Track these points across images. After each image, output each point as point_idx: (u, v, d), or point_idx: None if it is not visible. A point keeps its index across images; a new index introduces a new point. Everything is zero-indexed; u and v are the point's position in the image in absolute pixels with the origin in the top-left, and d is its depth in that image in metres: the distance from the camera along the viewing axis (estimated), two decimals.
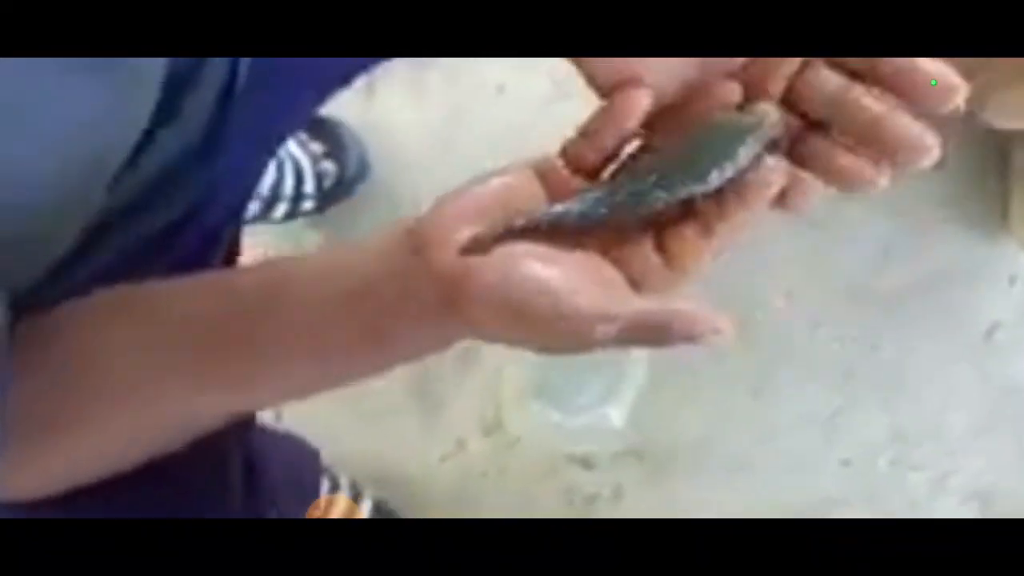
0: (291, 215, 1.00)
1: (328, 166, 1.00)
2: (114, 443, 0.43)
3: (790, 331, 0.94)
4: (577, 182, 0.40)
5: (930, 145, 0.38)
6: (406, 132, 1.06)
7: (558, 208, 0.38)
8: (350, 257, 0.41)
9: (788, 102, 0.40)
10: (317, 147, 1.00)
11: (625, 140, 0.40)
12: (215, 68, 0.50)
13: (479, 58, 1.06)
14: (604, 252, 0.39)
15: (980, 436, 0.90)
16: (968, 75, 0.40)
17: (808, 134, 0.39)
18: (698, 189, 0.38)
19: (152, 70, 0.46)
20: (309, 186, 0.99)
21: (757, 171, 0.37)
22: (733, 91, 0.40)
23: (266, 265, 0.44)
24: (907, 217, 0.95)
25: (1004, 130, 0.81)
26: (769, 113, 0.38)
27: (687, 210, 0.38)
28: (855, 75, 0.39)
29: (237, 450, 0.53)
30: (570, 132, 0.42)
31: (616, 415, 0.85)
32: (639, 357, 0.87)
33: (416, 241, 0.39)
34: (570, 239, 0.39)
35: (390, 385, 0.97)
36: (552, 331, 0.36)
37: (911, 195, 0.96)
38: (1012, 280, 0.93)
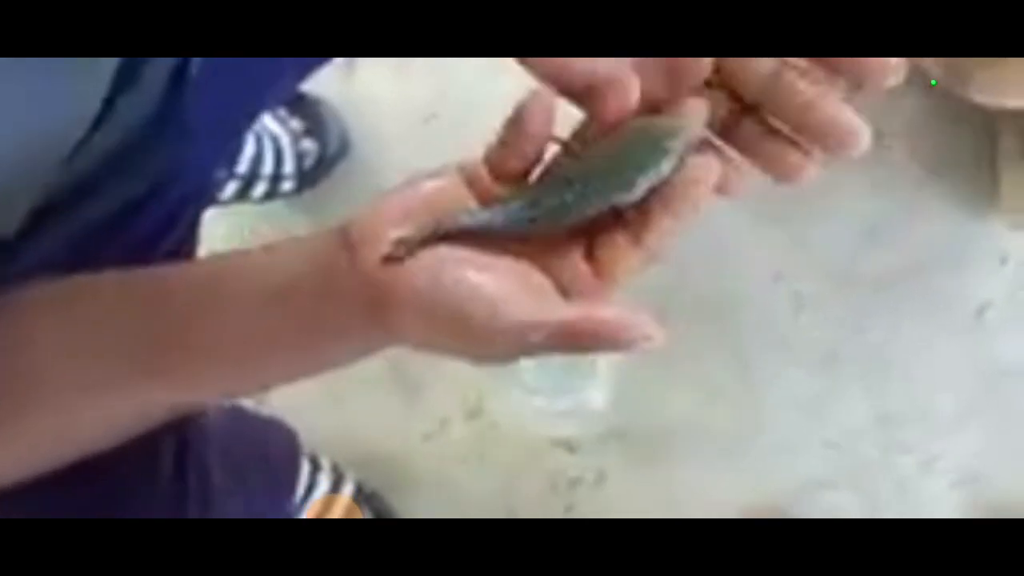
0: (271, 195, 0.98)
1: (308, 144, 0.99)
2: (46, 440, 0.42)
3: (774, 313, 0.93)
4: (503, 188, 0.39)
5: (860, 132, 0.38)
6: (388, 108, 1.05)
7: (484, 214, 0.38)
8: (282, 254, 0.40)
9: (723, 84, 0.39)
10: (297, 124, 0.99)
11: (542, 146, 0.40)
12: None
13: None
14: (533, 259, 0.39)
15: (969, 418, 0.89)
16: None
17: (741, 118, 0.39)
18: (623, 199, 0.38)
19: (100, 61, 0.45)
20: (289, 165, 0.98)
21: (683, 174, 0.37)
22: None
23: (200, 262, 0.44)
24: (893, 197, 0.94)
25: (991, 108, 0.80)
26: (692, 116, 0.38)
27: (616, 217, 0.38)
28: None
29: (169, 434, 0.53)
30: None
31: (597, 398, 0.84)
32: None
33: (345, 240, 0.39)
34: (498, 245, 0.38)
35: (370, 367, 0.96)
36: (482, 339, 0.36)
37: (897, 175, 0.95)
38: (1003, 259, 0.92)
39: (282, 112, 0.99)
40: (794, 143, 0.39)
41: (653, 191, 0.38)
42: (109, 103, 0.47)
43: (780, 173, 0.39)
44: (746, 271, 0.95)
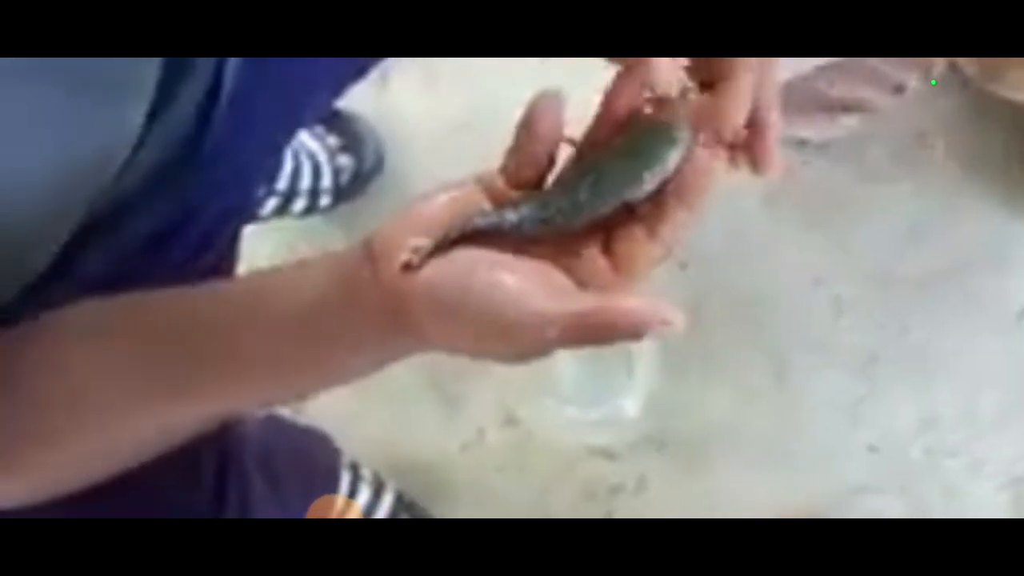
0: (310, 210, 1.00)
1: (345, 160, 1.00)
2: (86, 456, 0.43)
3: (814, 316, 0.93)
4: (518, 195, 0.40)
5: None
6: (421, 122, 1.06)
7: (497, 215, 0.39)
8: (309, 271, 0.42)
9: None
10: (334, 141, 1.01)
11: (554, 147, 0.41)
12: (200, 70, 0.51)
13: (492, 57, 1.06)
14: (552, 259, 0.39)
15: (1014, 419, 0.88)
16: None
17: None
18: (634, 195, 0.39)
19: (141, 82, 0.47)
20: (327, 180, 0.99)
21: (692, 165, 0.39)
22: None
23: (231, 283, 0.46)
24: (933, 198, 0.93)
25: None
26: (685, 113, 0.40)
27: (630, 213, 0.39)
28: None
29: (210, 444, 0.54)
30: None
31: (631, 406, 0.85)
32: (649, 347, 0.86)
33: (368, 253, 0.40)
34: (517, 247, 0.39)
35: (408, 378, 0.98)
36: (502, 335, 0.36)
37: (936, 176, 0.94)
38: None
39: (319, 129, 1.01)
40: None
41: (665, 183, 0.39)
42: (148, 125, 0.49)
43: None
44: (785, 274, 0.94)
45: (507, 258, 0.38)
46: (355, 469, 0.92)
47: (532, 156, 0.41)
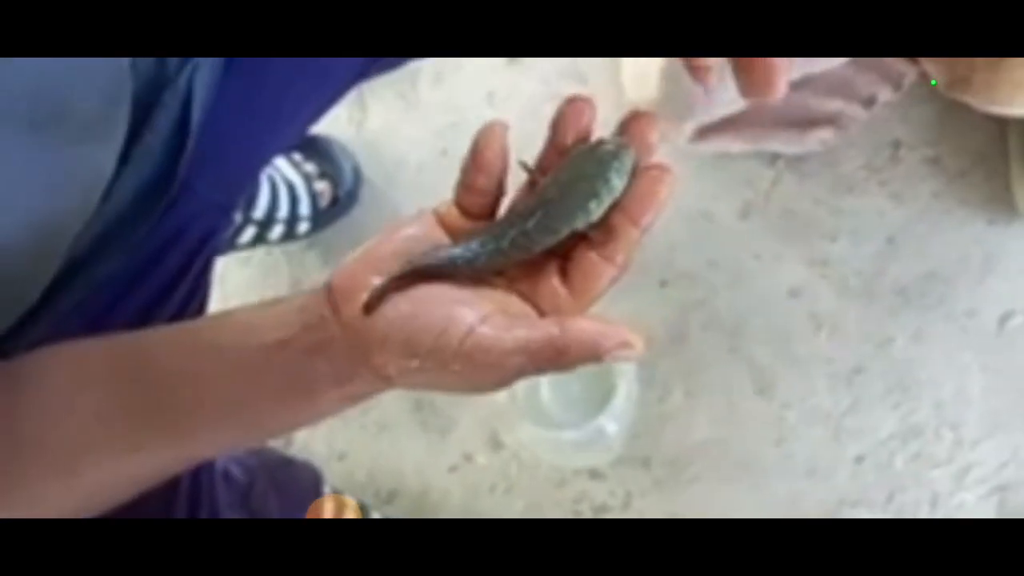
0: (288, 237, 1.01)
1: (322, 186, 1.01)
2: (36, 507, 0.43)
3: (795, 330, 0.93)
4: (474, 226, 0.41)
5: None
6: (400, 145, 1.07)
7: (452, 250, 0.40)
8: (272, 314, 0.42)
9: None
10: (311, 167, 1.01)
11: (500, 176, 0.41)
12: (167, 106, 0.51)
13: (468, 62, 1.07)
14: (511, 288, 0.40)
15: (998, 427, 0.88)
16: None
17: None
18: (582, 223, 0.39)
19: (114, 119, 0.47)
20: (304, 207, 1.00)
21: (639, 186, 0.39)
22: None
23: (195, 325, 0.45)
24: (911, 207, 0.94)
25: (997, 113, 0.80)
26: (642, 131, 0.41)
27: (583, 238, 0.40)
28: None
29: (181, 487, 0.55)
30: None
31: (613, 427, 0.85)
32: (627, 368, 0.87)
33: (329, 295, 0.40)
34: (476, 279, 0.40)
35: (394, 405, 0.98)
36: (464, 366, 0.37)
37: (914, 185, 0.95)
38: None
39: (296, 156, 1.02)
40: None
41: (613, 207, 0.40)
42: (119, 162, 0.50)
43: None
44: (765, 289, 0.95)
45: (464, 293, 0.39)
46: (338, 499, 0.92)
47: (480, 187, 0.41)
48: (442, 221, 0.42)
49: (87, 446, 0.42)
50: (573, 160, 0.41)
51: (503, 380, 0.38)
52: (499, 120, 0.41)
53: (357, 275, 0.40)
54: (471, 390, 0.39)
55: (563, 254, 0.41)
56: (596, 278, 0.40)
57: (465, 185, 0.42)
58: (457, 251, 0.40)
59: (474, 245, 0.40)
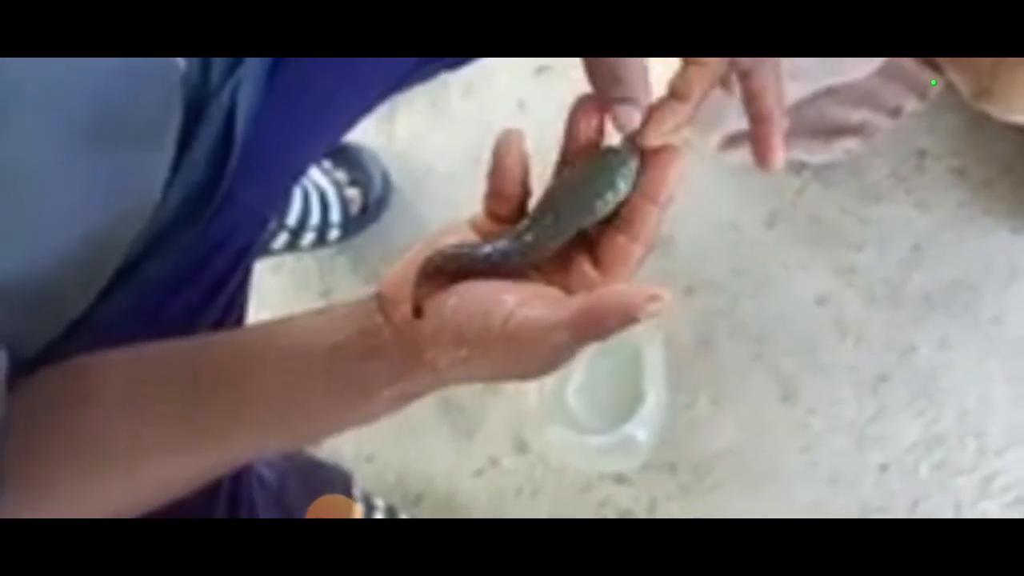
0: (319, 243, 1.04)
1: (353, 193, 1.04)
2: (95, 504, 0.46)
3: (821, 338, 0.95)
4: (498, 228, 0.45)
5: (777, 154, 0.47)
6: (430, 154, 1.10)
7: (481, 247, 0.43)
8: (325, 321, 0.45)
9: None
10: (341, 175, 1.04)
11: (522, 180, 0.45)
12: (211, 117, 0.54)
13: (496, 71, 1.10)
14: (546, 279, 0.44)
15: (1023, 436, 0.90)
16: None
17: None
18: (589, 222, 0.43)
19: (165, 130, 0.50)
20: (335, 214, 1.03)
21: (652, 167, 0.43)
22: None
23: (248, 330, 0.48)
24: (937, 216, 0.96)
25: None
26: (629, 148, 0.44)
27: (607, 223, 0.44)
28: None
29: (223, 488, 0.57)
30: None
31: (641, 433, 0.87)
32: (658, 375, 0.89)
33: (379, 301, 0.44)
34: (512, 274, 0.43)
35: (422, 409, 1.00)
36: (510, 350, 0.40)
37: (940, 193, 0.97)
38: None
39: (326, 164, 1.05)
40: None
41: (619, 205, 0.43)
42: (169, 177, 0.53)
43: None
44: (790, 297, 0.97)
45: (504, 283, 0.42)
46: (368, 501, 0.95)
47: (505, 193, 0.45)
48: (477, 229, 0.45)
49: (146, 446, 0.45)
50: (581, 165, 0.44)
51: (548, 359, 0.40)
52: (514, 128, 0.45)
53: (403, 284, 0.43)
54: (519, 375, 0.42)
55: (589, 242, 0.44)
56: (625, 258, 0.43)
57: (491, 192, 0.45)
58: (482, 250, 0.43)
59: (496, 244, 0.43)
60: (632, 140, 0.44)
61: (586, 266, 0.43)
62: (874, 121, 0.95)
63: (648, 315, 0.38)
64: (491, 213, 0.45)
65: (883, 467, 0.92)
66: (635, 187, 0.43)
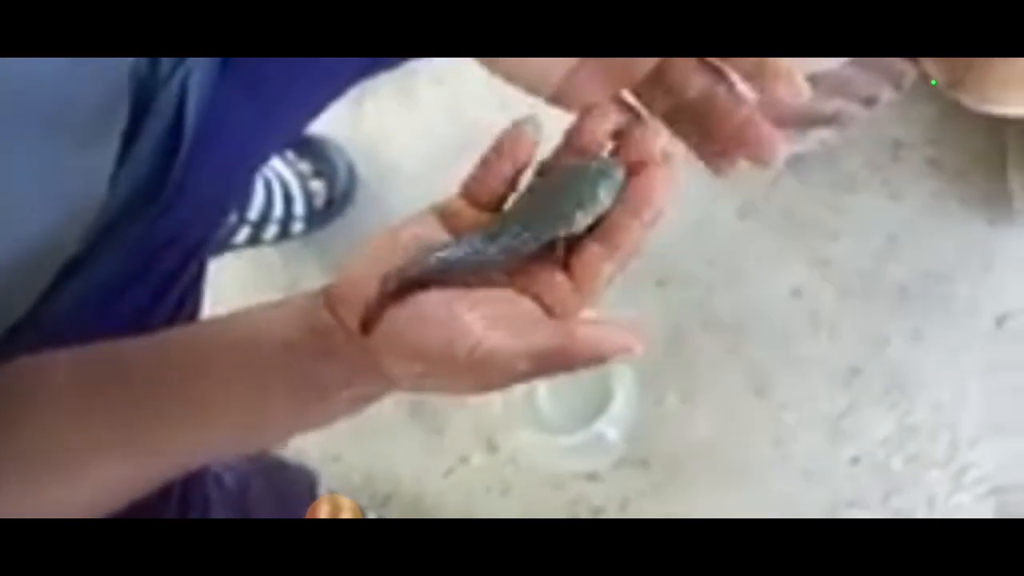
0: (282, 236, 1.03)
1: (317, 185, 1.04)
2: (39, 506, 0.45)
3: (794, 330, 0.96)
4: (479, 218, 0.43)
5: (778, 146, 0.45)
6: (397, 144, 1.10)
7: (441, 256, 0.41)
8: (274, 318, 0.44)
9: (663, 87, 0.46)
10: (305, 166, 1.04)
11: (520, 174, 0.44)
12: (161, 108, 0.53)
13: (467, 61, 1.09)
14: (515, 284, 0.42)
15: (996, 427, 0.91)
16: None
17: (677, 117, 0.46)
18: (565, 232, 0.42)
19: (113, 122, 0.49)
20: (299, 207, 1.03)
21: (641, 180, 0.42)
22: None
23: (194, 330, 0.48)
24: (911, 206, 0.97)
25: (996, 112, 0.83)
26: (651, 134, 0.44)
27: (588, 232, 0.42)
28: (715, 70, 0.45)
29: (174, 490, 0.57)
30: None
31: (611, 433, 0.87)
32: (626, 372, 0.89)
33: (330, 301, 0.42)
34: (479, 277, 0.42)
35: (391, 408, 1.00)
36: (471, 372, 0.39)
37: (915, 184, 0.97)
38: None
39: (290, 155, 1.04)
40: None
41: (599, 219, 0.42)
42: (116, 165, 0.52)
43: (713, 166, 0.46)
44: (763, 289, 0.98)
45: (467, 296, 0.41)
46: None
47: (490, 184, 0.43)
48: (445, 217, 0.44)
49: (89, 449, 0.44)
50: (566, 171, 0.43)
51: (510, 383, 0.40)
52: (533, 119, 0.44)
53: (356, 283, 0.41)
54: (477, 392, 0.41)
55: (564, 250, 0.42)
56: (598, 270, 0.42)
57: (479, 177, 0.43)
58: (447, 255, 0.41)
59: (465, 248, 0.42)
60: (617, 152, 0.44)
61: (558, 276, 0.42)
62: (848, 111, 0.96)
63: (620, 360, 0.39)
64: (471, 196, 0.44)
65: (855, 460, 0.93)
66: (619, 200, 0.42)
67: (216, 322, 0.47)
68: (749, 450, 0.94)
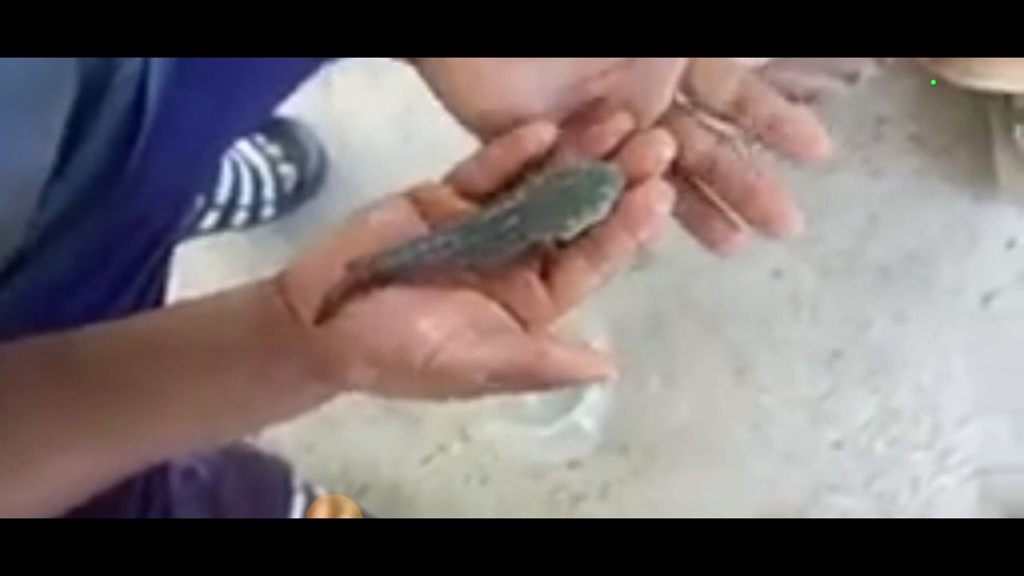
0: (252, 222, 1.02)
1: (287, 169, 1.02)
2: (10, 503, 0.44)
3: (774, 312, 0.95)
4: (459, 206, 0.41)
5: (792, 217, 0.42)
6: (368, 126, 1.08)
7: (407, 252, 0.39)
8: (227, 311, 0.42)
9: None
10: (275, 150, 1.02)
11: (520, 169, 0.41)
12: (120, 88, 0.51)
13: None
14: (486, 287, 0.40)
15: (979, 409, 0.91)
16: None
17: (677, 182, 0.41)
18: (556, 237, 0.39)
19: (57, 96, 0.47)
20: (269, 191, 1.01)
21: (645, 198, 0.39)
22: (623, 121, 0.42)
23: (145, 319, 0.46)
24: (893, 184, 0.96)
25: (979, 88, 0.82)
26: (659, 144, 0.41)
27: (574, 240, 0.40)
28: (723, 117, 0.41)
29: (135, 487, 0.56)
30: None
31: (587, 422, 0.87)
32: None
33: (286, 289, 0.40)
34: (449, 277, 0.40)
35: (367, 398, 0.99)
36: (428, 381, 0.38)
37: (896, 161, 0.97)
38: (1010, 243, 0.93)
39: (259, 138, 1.02)
40: (724, 214, 0.42)
41: (591, 228, 0.39)
42: (69, 148, 0.50)
43: (707, 240, 0.43)
44: (743, 270, 0.97)
45: (429, 300, 0.39)
46: (309, 491, 0.93)
47: (495, 170, 0.41)
48: (420, 204, 0.41)
49: (38, 446, 0.43)
50: (564, 171, 0.40)
51: (472, 395, 0.39)
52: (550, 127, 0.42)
53: (319, 269, 0.39)
54: (435, 400, 0.40)
55: (544, 256, 0.40)
56: (579, 284, 0.39)
57: (482, 162, 0.41)
58: (415, 250, 0.39)
59: (437, 243, 0.39)
60: (611, 157, 0.41)
61: (534, 282, 0.40)
62: (830, 87, 0.95)
63: (585, 385, 0.37)
64: (457, 185, 0.41)
65: (838, 444, 0.92)
66: (614, 211, 0.39)
67: (170, 312, 0.45)
68: (729, 435, 0.94)
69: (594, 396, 0.86)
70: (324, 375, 0.40)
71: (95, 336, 0.45)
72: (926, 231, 0.95)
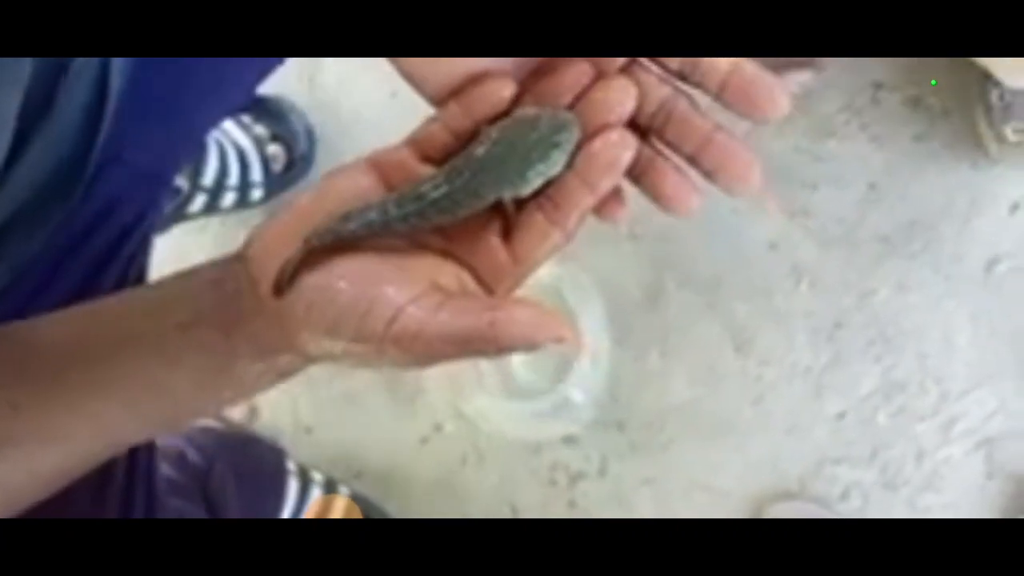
0: (241, 204, 1.00)
1: (275, 149, 1.00)
2: None
3: (774, 283, 0.94)
4: (421, 170, 0.40)
5: (752, 167, 0.39)
6: (355, 101, 1.06)
7: (363, 217, 0.38)
8: (185, 286, 0.41)
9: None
10: (261, 130, 1.01)
11: (479, 125, 0.40)
12: (82, 68, 0.50)
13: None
14: (448, 248, 0.39)
15: (984, 377, 0.89)
16: None
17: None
18: (512, 193, 0.38)
19: (5, 91, 0.46)
20: (256, 173, 1.00)
21: (599, 148, 0.38)
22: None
23: (112, 301, 0.44)
24: (893, 151, 0.94)
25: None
26: (620, 93, 0.39)
27: (530, 199, 0.38)
28: (679, 76, 0.39)
29: (116, 479, 0.55)
30: None
31: (577, 395, 0.86)
32: (596, 328, 0.87)
33: (246, 260, 0.39)
34: (409, 239, 0.39)
35: (362, 380, 0.98)
36: (389, 348, 0.37)
37: (896, 128, 0.95)
38: (1013, 208, 0.92)
39: (245, 118, 1.01)
40: (678, 169, 0.40)
41: (548, 184, 0.38)
42: (29, 131, 0.48)
43: (660, 197, 0.40)
44: (742, 241, 0.95)
45: (391, 264, 0.38)
46: (304, 474, 0.93)
47: (450, 130, 0.40)
48: (380, 168, 0.40)
49: (4, 435, 0.42)
50: (516, 123, 0.39)
51: (434, 362, 0.37)
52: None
53: (275, 243, 0.38)
54: (399, 368, 0.38)
55: (504, 214, 0.39)
56: (540, 242, 0.38)
57: (438, 122, 0.40)
58: (370, 216, 0.38)
59: (390, 208, 0.38)
60: (572, 107, 0.39)
61: (494, 241, 0.39)
62: (798, 79, 0.93)
63: (544, 348, 0.36)
64: (415, 147, 0.40)
65: (840, 416, 0.91)
66: (571, 165, 0.38)
67: (135, 290, 0.44)
68: (729, 408, 0.93)
69: (584, 368, 0.85)
70: (285, 347, 0.39)
71: (59, 319, 0.44)
72: (927, 198, 0.93)
